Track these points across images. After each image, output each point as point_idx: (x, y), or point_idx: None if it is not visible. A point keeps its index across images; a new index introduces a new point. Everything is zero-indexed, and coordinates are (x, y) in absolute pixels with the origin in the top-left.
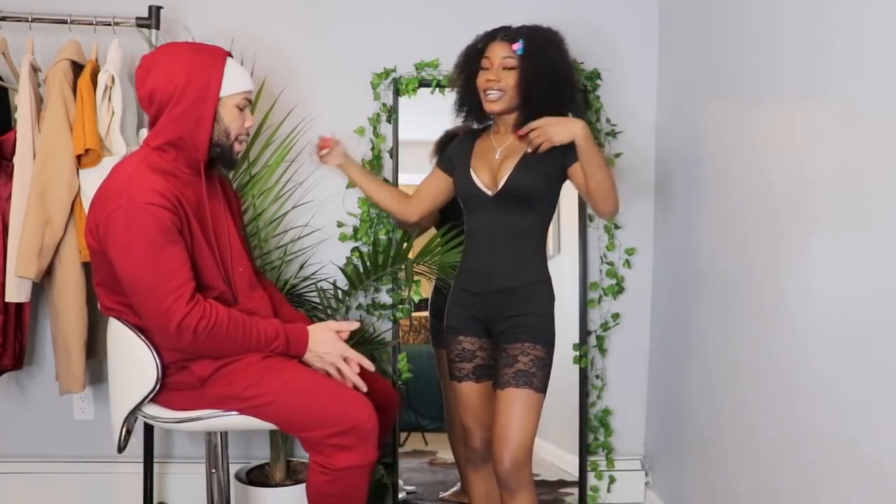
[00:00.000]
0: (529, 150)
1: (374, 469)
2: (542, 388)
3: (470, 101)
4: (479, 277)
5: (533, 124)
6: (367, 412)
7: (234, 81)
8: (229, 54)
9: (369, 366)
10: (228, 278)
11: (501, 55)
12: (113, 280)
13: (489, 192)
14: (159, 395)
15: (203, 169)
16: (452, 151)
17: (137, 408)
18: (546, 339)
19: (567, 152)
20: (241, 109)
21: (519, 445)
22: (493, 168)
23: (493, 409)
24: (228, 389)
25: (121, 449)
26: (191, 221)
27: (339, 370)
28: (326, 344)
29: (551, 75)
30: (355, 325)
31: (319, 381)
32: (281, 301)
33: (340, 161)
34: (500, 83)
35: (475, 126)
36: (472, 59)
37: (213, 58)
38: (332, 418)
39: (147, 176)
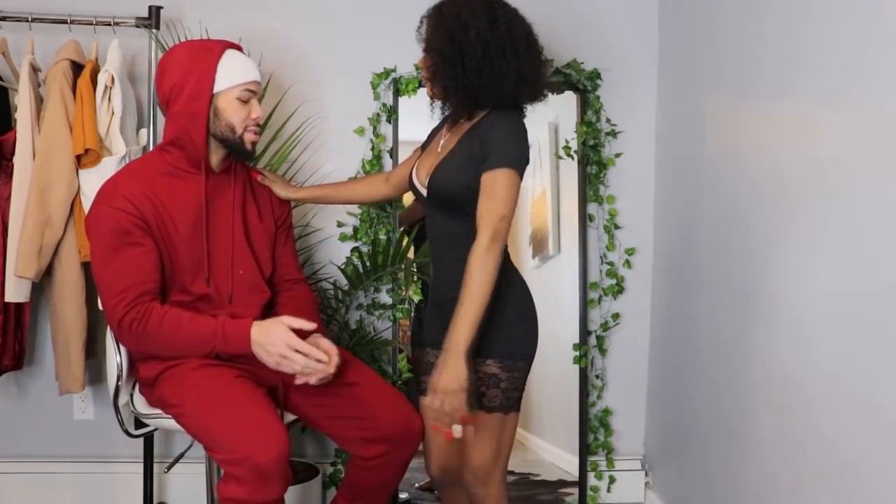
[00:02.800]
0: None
1: None
2: (496, 407)
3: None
4: (436, 286)
5: (429, 406)
6: (267, 447)
7: (231, 74)
8: (233, 46)
9: (321, 356)
10: (218, 279)
11: (422, 38)
12: None
13: (424, 192)
14: (142, 388)
15: (205, 166)
16: (425, 145)
17: (116, 398)
18: (499, 351)
19: (486, 155)
20: (245, 101)
21: (477, 467)
22: (432, 165)
23: None
24: (163, 393)
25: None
26: (167, 224)
27: (302, 363)
28: (271, 335)
29: (444, 53)
30: (310, 326)
31: (233, 403)
32: (300, 308)
33: (285, 196)
34: (425, 71)
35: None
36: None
37: (207, 53)
38: (226, 444)
39: (122, 179)
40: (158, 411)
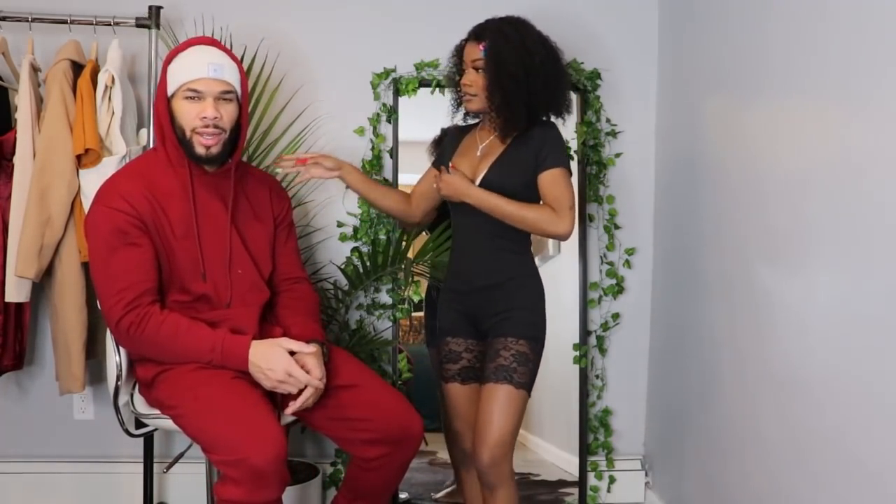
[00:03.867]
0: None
1: None
2: (523, 385)
3: (459, 100)
4: (464, 276)
5: (443, 178)
6: (263, 448)
7: (177, 74)
8: (204, 41)
9: (317, 385)
10: (216, 279)
11: (472, 56)
12: None
13: None
14: (140, 388)
15: (190, 166)
16: (443, 148)
17: (116, 398)
18: (530, 334)
19: (539, 157)
20: (193, 100)
21: (496, 442)
22: (473, 166)
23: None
24: (160, 394)
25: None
26: (164, 223)
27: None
28: (271, 360)
29: (514, 75)
30: (309, 350)
31: (230, 404)
32: (300, 310)
33: (331, 174)
34: (471, 87)
35: (470, 121)
36: (457, 58)
37: (169, 56)
38: (223, 446)
39: (120, 179)
40: (158, 411)
